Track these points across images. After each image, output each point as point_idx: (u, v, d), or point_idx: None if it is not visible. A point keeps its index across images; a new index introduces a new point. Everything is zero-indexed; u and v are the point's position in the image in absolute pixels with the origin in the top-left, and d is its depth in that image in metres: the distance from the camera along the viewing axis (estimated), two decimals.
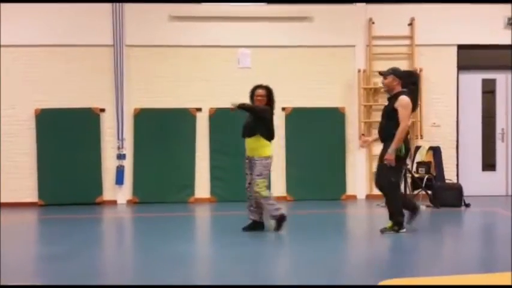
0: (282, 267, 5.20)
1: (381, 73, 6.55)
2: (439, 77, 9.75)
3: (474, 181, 9.76)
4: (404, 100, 6.18)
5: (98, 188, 9.37)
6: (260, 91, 6.53)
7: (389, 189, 6.28)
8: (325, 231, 6.61)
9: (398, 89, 6.32)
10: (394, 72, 6.38)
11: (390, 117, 6.24)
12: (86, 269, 4.94)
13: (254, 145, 6.40)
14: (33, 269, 5.17)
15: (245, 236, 6.37)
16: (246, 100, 6.61)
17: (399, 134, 6.08)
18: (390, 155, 6.10)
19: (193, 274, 4.84)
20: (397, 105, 6.18)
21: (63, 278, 4.62)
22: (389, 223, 6.39)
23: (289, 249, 5.99)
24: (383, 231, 6.35)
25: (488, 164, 10.08)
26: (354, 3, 9.74)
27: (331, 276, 4.64)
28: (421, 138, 9.66)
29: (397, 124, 6.13)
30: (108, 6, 9.39)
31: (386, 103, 6.48)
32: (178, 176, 9.37)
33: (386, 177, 6.23)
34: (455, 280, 4.19)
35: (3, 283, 4.32)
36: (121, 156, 9.43)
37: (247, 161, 6.51)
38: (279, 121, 8.66)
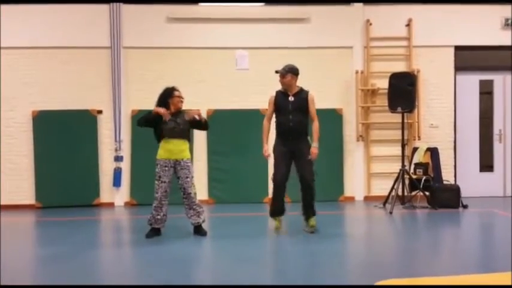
0: (281, 267, 5.19)
1: (277, 71, 6.62)
2: (437, 78, 9.77)
3: (472, 182, 9.78)
4: (313, 96, 6.57)
5: (95, 190, 9.35)
6: (178, 92, 6.47)
7: (314, 186, 6.55)
8: (323, 232, 6.60)
9: (296, 85, 6.58)
10: (292, 70, 6.55)
11: (304, 112, 6.50)
12: (84, 270, 4.94)
13: (185, 147, 6.42)
14: (32, 270, 5.17)
15: (243, 238, 6.36)
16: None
17: (318, 129, 6.53)
18: (317, 149, 6.42)
19: (198, 275, 4.83)
20: (309, 100, 6.50)
21: (62, 278, 4.62)
22: (313, 220, 6.61)
23: (288, 250, 5.98)
24: (314, 231, 6.53)
25: (486, 165, 10.09)
26: (351, 4, 9.74)
27: (329, 277, 4.64)
28: (419, 139, 9.67)
29: (308, 119, 6.51)
30: (105, 7, 9.38)
31: (290, 99, 6.53)
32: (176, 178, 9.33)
33: (312, 173, 6.47)
34: (453, 280, 4.19)
35: (3, 283, 4.32)
36: (118, 158, 9.41)
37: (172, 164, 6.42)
38: None
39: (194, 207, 6.44)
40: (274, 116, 6.65)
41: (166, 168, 6.36)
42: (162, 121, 6.32)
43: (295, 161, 6.52)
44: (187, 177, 6.38)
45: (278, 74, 6.62)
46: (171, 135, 6.33)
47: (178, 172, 6.40)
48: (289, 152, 6.50)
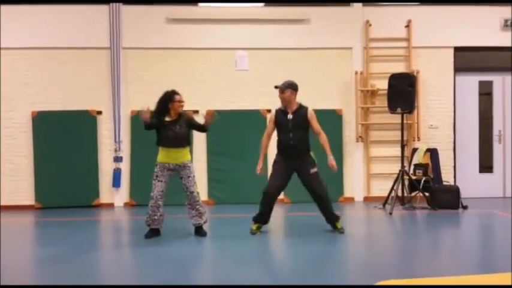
0: (281, 267, 5.19)
1: (276, 87, 6.62)
2: (436, 79, 9.77)
3: (471, 183, 9.78)
4: (313, 112, 6.60)
5: (95, 191, 9.35)
6: (179, 97, 6.42)
7: (327, 194, 6.60)
8: (323, 233, 6.60)
9: (295, 101, 6.59)
10: (291, 86, 6.55)
11: (304, 129, 6.53)
12: (84, 271, 4.94)
13: (184, 152, 6.42)
14: (32, 270, 5.17)
15: (243, 238, 6.36)
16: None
17: (327, 141, 6.55)
18: (334, 161, 6.50)
19: (197, 275, 4.83)
20: (309, 117, 6.51)
21: (62, 279, 4.62)
22: (339, 224, 6.68)
23: (287, 251, 5.98)
24: (343, 231, 6.61)
25: (486, 165, 10.09)
26: (351, 5, 9.75)
27: (329, 277, 4.64)
28: (418, 140, 9.67)
29: (308, 135, 6.55)
30: (105, 8, 9.38)
31: (289, 117, 6.54)
32: (176, 179, 9.33)
33: (321, 183, 6.53)
34: (453, 281, 4.19)
35: (3, 283, 4.32)
36: (118, 159, 9.41)
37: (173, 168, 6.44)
38: None
39: (197, 207, 6.44)
40: (275, 132, 6.68)
41: (165, 170, 6.36)
42: (162, 125, 6.31)
43: (300, 177, 6.59)
44: (189, 177, 6.39)
45: (278, 88, 6.62)
46: (170, 145, 6.32)
47: (180, 173, 6.40)
48: (289, 168, 6.54)
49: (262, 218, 6.69)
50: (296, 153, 6.49)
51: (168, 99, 6.39)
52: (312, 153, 6.59)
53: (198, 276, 4.89)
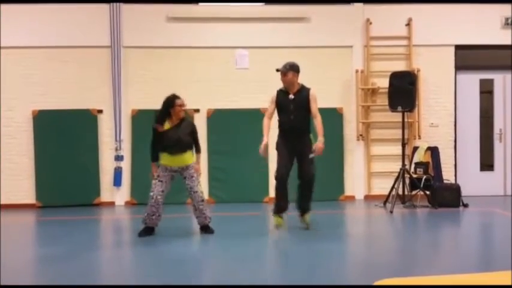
0: (280, 267, 5.19)
1: (278, 70, 6.59)
2: (437, 78, 9.76)
3: (472, 181, 9.77)
4: (315, 93, 6.53)
5: (96, 190, 9.36)
6: (180, 101, 6.38)
7: (314, 180, 6.56)
8: (323, 231, 6.60)
9: (298, 83, 6.56)
10: (293, 68, 6.53)
11: (306, 110, 6.47)
12: (84, 270, 4.94)
13: (188, 156, 6.42)
14: (32, 269, 5.16)
15: (243, 237, 6.36)
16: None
17: (321, 124, 6.40)
18: (322, 144, 6.32)
19: (198, 274, 4.83)
20: (310, 98, 6.46)
21: (63, 278, 4.62)
22: (308, 216, 6.68)
23: (287, 249, 5.98)
24: (309, 227, 6.61)
25: (486, 164, 10.09)
26: (351, 4, 9.74)
27: (330, 276, 4.64)
28: (419, 138, 9.66)
29: (309, 117, 6.48)
30: (105, 7, 9.37)
31: (291, 98, 6.52)
32: (178, 179, 9.34)
33: (313, 169, 6.49)
34: (453, 279, 4.18)
35: (3, 283, 4.32)
36: (119, 158, 9.41)
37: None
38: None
39: (200, 207, 6.44)
40: (276, 113, 6.65)
41: (167, 171, 6.36)
42: (163, 134, 6.30)
43: (297, 158, 6.55)
44: (192, 177, 6.40)
45: (279, 72, 6.59)
46: (173, 151, 6.28)
47: (183, 173, 6.41)
48: (292, 149, 6.52)
49: (281, 207, 6.64)
50: (297, 134, 6.47)
51: (169, 104, 6.34)
52: (310, 136, 6.54)
53: (198, 275, 4.89)
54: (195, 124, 6.73)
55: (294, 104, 6.47)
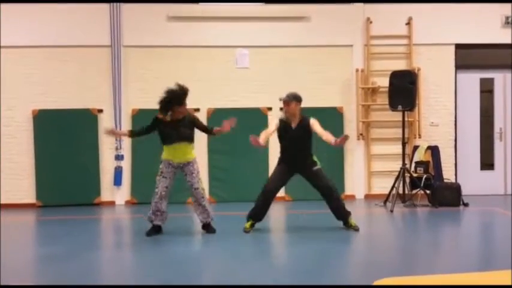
0: (281, 266, 5.19)
1: (281, 99, 6.56)
2: (437, 76, 9.75)
3: (472, 180, 9.77)
4: (315, 120, 6.53)
5: (96, 189, 9.36)
6: (182, 108, 6.33)
7: (336, 189, 6.61)
8: (324, 231, 6.60)
9: (299, 113, 6.57)
10: (296, 98, 6.52)
11: (308, 139, 6.55)
12: (85, 270, 4.94)
13: (188, 150, 6.41)
14: (32, 269, 5.16)
15: (243, 236, 6.37)
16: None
17: (330, 134, 6.37)
18: (337, 139, 6.23)
19: (198, 273, 4.83)
20: (311, 125, 6.47)
21: (63, 278, 4.62)
22: (351, 220, 6.63)
23: (288, 249, 5.98)
24: (357, 228, 6.56)
25: (487, 163, 10.09)
26: (352, 3, 9.73)
27: (330, 275, 4.64)
28: (419, 137, 9.66)
29: (311, 141, 6.56)
30: (105, 6, 9.37)
31: (293, 128, 6.53)
32: (179, 177, 9.35)
33: (327, 179, 6.53)
34: (453, 278, 4.18)
35: (3, 283, 4.31)
36: (119, 157, 9.41)
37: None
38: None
39: (203, 203, 6.44)
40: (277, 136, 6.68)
41: (170, 167, 6.37)
42: (163, 125, 6.30)
43: (305, 177, 6.59)
44: (192, 173, 6.40)
45: (280, 97, 6.60)
46: (173, 141, 6.29)
47: (184, 170, 6.42)
48: (292, 170, 6.57)
49: (257, 215, 6.64)
50: (299, 163, 6.53)
51: (178, 99, 6.25)
52: (314, 157, 6.58)
53: (198, 274, 4.89)
54: (196, 116, 6.70)
55: (296, 135, 6.51)
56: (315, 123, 6.52)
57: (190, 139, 6.42)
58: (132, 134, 6.71)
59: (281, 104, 6.68)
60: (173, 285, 4.33)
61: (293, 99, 6.50)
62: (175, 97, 6.25)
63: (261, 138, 6.43)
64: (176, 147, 6.31)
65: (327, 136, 6.40)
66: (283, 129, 6.56)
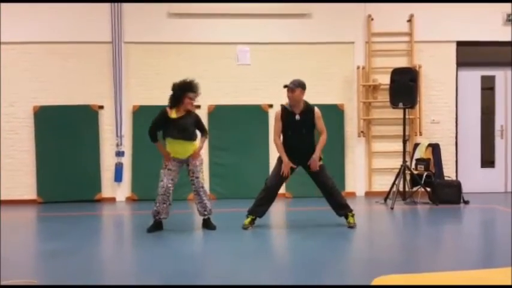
0: (281, 264, 5.19)
1: (286, 86, 6.51)
2: (438, 74, 9.74)
3: (473, 178, 9.78)
4: (319, 112, 6.55)
5: (97, 185, 9.37)
6: (193, 94, 6.36)
7: (335, 185, 6.64)
8: (324, 228, 6.61)
9: (303, 100, 6.53)
10: (301, 85, 6.48)
11: (312, 130, 6.55)
12: (86, 266, 4.94)
13: (191, 147, 6.43)
14: (33, 266, 5.17)
15: (243, 233, 6.37)
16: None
17: (324, 142, 6.53)
18: (317, 160, 6.46)
19: (195, 271, 4.83)
20: (316, 117, 6.48)
21: (64, 275, 4.62)
22: (350, 217, 6.67)
23: (289, 246, 5.98)
24: (353, 226, 6.60)
25: (487, 160, 10.08)
26: (353, 2, 9.72)
27: (330, 273, 4.64)
28: (420, 135, 9.66)
29: (314, 135, 6.56)
30: (106, 3, 9.36)
31: (297, 118, 6.50)
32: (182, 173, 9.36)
33: (328, 176, 6.58)
34: (453, 276, 4.17)
35: (3, 281, 4.30)
36: (120, 154, 9.42)
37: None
38: None
39: (201, 193, 6.45)
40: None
41: (175, 161, 6.41)
42: (170, 121, 6.31)
43: (307, 172, 6.59)
44: (195, 166, 6.43)
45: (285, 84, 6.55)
46: (177, 137, 6.31)
47: (186, 162, 6.45)
48: (295, 163, 6.54)
49: (258, 211, 6.64)
50: (303, 153, 6.50)
51: (184, 90, 6.30)
52: (320, 151, 6.56)
53: (199, 271, 4.89)
54: (197, 114, 6.72)
55: (300, 125, 6.47)
56: (319, 117, 6.51)
57: (193, 137, 6.45)
58: (156, 139, 6.50)
59: (281, 102, 6.66)
60: (173, 285, 4.33)
61: (298, 86, 6.46)
62: (189, 84, 6.33)
63: (278, 141, 6.52)
64: (179, 143, 6.33)
65: (323, 139, 6.50)
66: (287, 118, 6.51)
